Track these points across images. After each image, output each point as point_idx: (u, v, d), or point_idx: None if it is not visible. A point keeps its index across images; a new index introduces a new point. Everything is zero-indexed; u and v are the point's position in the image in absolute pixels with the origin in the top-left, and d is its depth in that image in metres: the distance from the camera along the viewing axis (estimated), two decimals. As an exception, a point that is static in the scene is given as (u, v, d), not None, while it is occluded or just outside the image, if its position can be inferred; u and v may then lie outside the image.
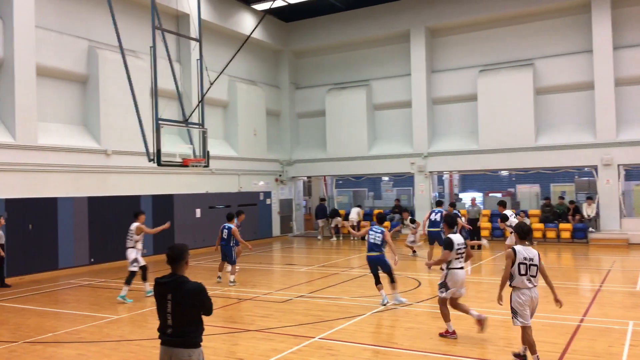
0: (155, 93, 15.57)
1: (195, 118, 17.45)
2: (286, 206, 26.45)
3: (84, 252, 16.79)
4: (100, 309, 11.16)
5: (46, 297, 12.75)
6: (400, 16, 23.82)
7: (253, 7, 23.80)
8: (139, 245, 12.19)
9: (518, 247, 6.89)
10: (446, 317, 8.35)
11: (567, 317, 9.39)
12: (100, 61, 17.47)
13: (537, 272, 6.84)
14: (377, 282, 10.72)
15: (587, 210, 20.55)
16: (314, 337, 8.48)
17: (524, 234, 6.94)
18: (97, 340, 8.73)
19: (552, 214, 21.32)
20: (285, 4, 23.17)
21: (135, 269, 11.92)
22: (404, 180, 26.90)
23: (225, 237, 13.65)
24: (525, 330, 6.84)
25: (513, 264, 6.80)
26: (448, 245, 8.14)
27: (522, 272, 6.78)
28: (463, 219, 17.88)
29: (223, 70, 16.41)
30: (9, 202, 14.89)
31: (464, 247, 8.30)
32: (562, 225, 20.74)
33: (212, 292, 11.39)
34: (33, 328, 9.61)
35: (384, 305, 10.46)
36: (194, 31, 18.74)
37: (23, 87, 15.34)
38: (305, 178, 27.73)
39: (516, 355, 7.24)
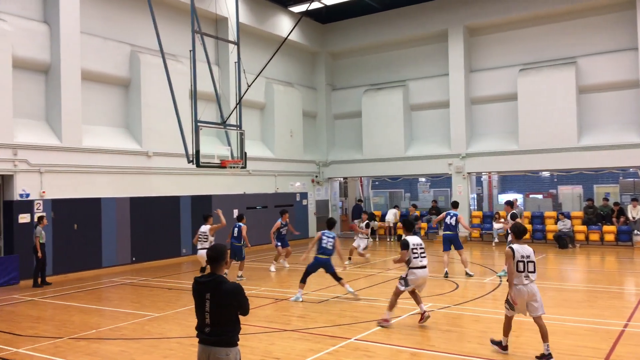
0: (194, 96, 15.85)
1: (233, 120, 17.68)
2: (322, 207, 26.52)
3: (125, 251, 17.24)
4: (141, 307, 11.44)
5: (90, 294, 13.15)
6: (438, 15, 23.59)
7: (290, 10, 23.96)
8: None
9: (515, 246, 7.29)
10: (392, 306, 9.19)
11: (611, 322, 9.13)
12: (142, 65, 17.91)
13: (534, 268, 7.23)
14: (303, 280, 11.69)
15: (632, 212, 19.89)
16: (350, 338, 8.49)
17: (520, 233, 7.45)
18: (138, 338, 8.96)
19: (596, 216, 20.73)
20: (322, 5, 23.25)
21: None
22: (441, 181, 26.61)
23: (236, 235, 14.49)
24: (509, 319, 7.42)
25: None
26: (404, 245, 8.97)
27: (520, 269, 7.17)
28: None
29: (260, 72, 16.58)
30: (55, 202, 15.42)
31: (421, 247, 9.11)
32: (605, 228, 20.14)
33: (249, 292, 11.53)
34: (77, 325, 9.93)
35: (295, 300, 11.45)
36: (232, 34, 19.00)
37: (69, 91, 15.86)
38: (342, 179, 27.74)
39: (539, 357, 7.25)
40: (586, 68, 21.00)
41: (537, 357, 7.27)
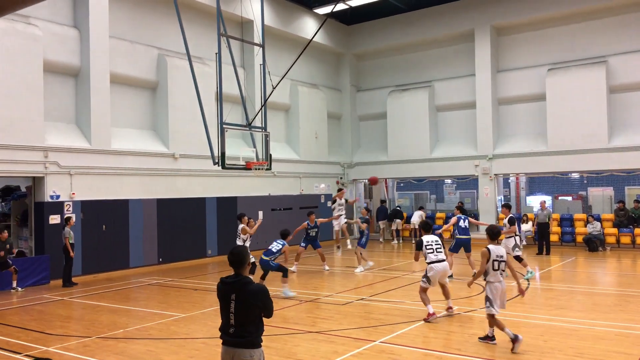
0: (220, 98, 15.97)
1: (258, 122, 17.77)
2: (347, 209, 26.39)
3: (153, 252, 17.47)
4: (168, 307, 11.57)
5: (118, 294, 13.36)
6: (464, 15, 23.36)
7: (315, 12, 24.00)
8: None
9: (491, 247, 8.06)
10: (426, 302, 9.65)
11: (643, 328, 8.89)
12: (169, 68, 18.15)
13: (505, 267, 8.08)
14: (263, 277, 12.45)
15: (666, 215, 19.37)
16: (375, 341, 8.44)
17: (494, 235, 8.24)
18: (165, 338, 9.06)
19: (627, 219, 20.24)
20: (346, 7, 23.23)
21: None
22: (468, 183, 26.32)
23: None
24: (494, 318, 7.97)
25: (488, 261, 7.97)
26: (418, 246, 9.82)
27: (496, 267, 7.98)
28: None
29: (285, 74, 16.61)
30: (84, 203, 15.72)
31: (437, 243, 9.76)
32: (637, 230, 19.66)
33: (274, 294, 11.56)
34: (106, 324, 10.09)
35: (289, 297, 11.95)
36: (257, 37, 19.11)
37: (98, 94, 16.16)
38: (366, 181, 27.64)
39: (483, 338, 8.21)
40: (617, 67, 20.54)
41: (480, 337, 8.21)
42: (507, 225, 14.15)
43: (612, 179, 23.39)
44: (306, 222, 16.19)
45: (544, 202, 19.96)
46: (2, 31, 14.11)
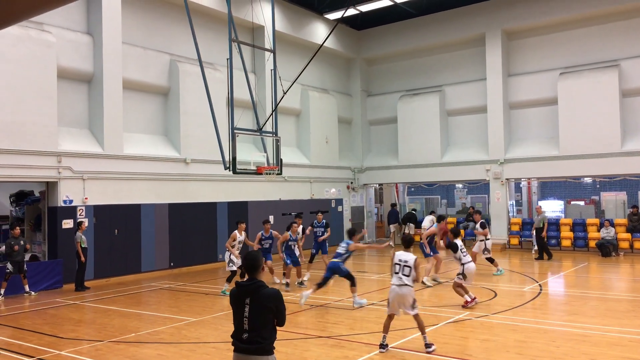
0: (231, 103, 16.08)
1: (269, 127, 17.85)
2: (358, 213, 26.45)
3: (164, 256, 17.56)
4: (179, 311, 11.62)
5: (130, 298, 13.44)
6: (475, 20, 23.30)
7: (325, 17, 24.08)
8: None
9: (398, 252, 8.43)
10: (464, 293, 10.98)
11: (657, 334, 8.79)
12: (180, 74, 18.28)
13: (410, 272, 8.19)
14: (321, 285, 12.04)
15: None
16: (385, 346, 8.41)
17: (407, 243, 8.62)
18: (176, 342, 9.10)
19: (641, 224, 20.03)
20: (357, 12, 23.28)
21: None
22: (479, 188, 26.19)
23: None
24: (389, 317, 8.32)
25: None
26: (454, 248, 11.12)
27: (396, 270, 8.26)
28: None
29: (296, 79, 16.68)
30: (97, 208, 15.85)
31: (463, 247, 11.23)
32: (652, 236, 19.44)
33: (285, 298, 11.58)
34: (117, 328, 10.16)
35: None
36: (268, 42, 19.22)
37: (111, 100, 16.32)
38: (377, 185, 27.63)
39: (381, 345, 8.18)
40: (630, 71, 20.37)
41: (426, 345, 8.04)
42: (479, 229, 15.61)
43: (625, 184, 23.17)
44: (260, 233, 14.61)
45: (540, 207, 19.97)
46: (16, 38, 14.31)
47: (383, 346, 8.10)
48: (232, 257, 13.29)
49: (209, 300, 12.93)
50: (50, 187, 15.32)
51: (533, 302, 11.66)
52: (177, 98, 18.28)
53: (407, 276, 8.17)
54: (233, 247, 13.42)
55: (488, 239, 15.46)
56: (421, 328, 8.17)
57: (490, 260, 15.40)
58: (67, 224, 15.18)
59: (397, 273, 8.23)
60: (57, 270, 14.82)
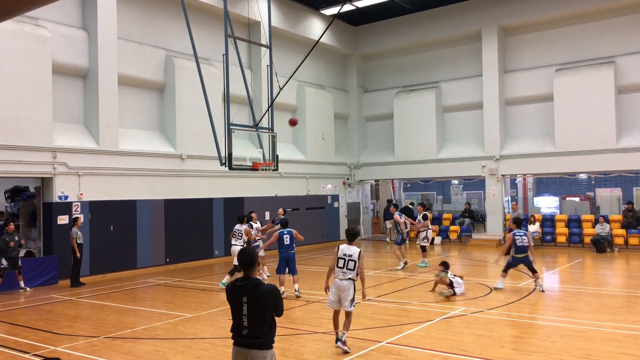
0: (227, 99, 16.05)
1: (265, 123, 17.83)
2: (354, 209, 26.47)
3: (160, 252, 17.53)
4: (175, 307, 11.61)
5: (125, 294, 13.42)
6: (471, 16, 23.30)
7: (322, 13, 24.02)
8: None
9: (342, 245, 8.30)
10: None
11: (651, 330, 8.85)
12: (176, 69, 18.22)
13: (354, 267, 8.11)
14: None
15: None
16: (381, 342, 8.44)
17: (351, 236, 8.40)
18: (172, 338, 9.10)
19: (635, 220, 20.13)
20: (353, 8, 23.24)
21: None
22: (475, 184, 26.24)
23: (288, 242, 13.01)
24: (334, 314, 8.34)
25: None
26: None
27: (340, 265, 8.18)
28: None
29: (292, 75, 16.67)
30: (92, 204, 15.81)
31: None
32: (646, 232, 19.54)
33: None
34: (113, 324, 10.15)
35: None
36: (264, 38, 19.19)
37: (106, 95, 16.25)
38: (373, 181, 27.64)
39: (336, 340, 8.08)
40: (625, 67, 20.42)
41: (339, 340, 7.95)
42: (421, 220, 16.60)
43: (620, 180, 23.25)
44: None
45: (515, 203, 20.12)
46: (11, 33, 14.22)
47: (338, 340, 8.03)
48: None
49: (205, 296, 12.93)
50: (45, 182, 15.26)
51: (528, 298, 11.71)
52: (173, 94, 18.22)
53: (352, 270, 8.04)
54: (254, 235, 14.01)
55: (429, 229, 16.75)
56: (347, 325, 8.12)
57: (423, 249, 16.57)
58: (63, 219, 15.14)
59: (341, 267, 8.11)
60: (53, 266, 14.78)
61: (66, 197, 15.30)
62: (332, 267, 8.29)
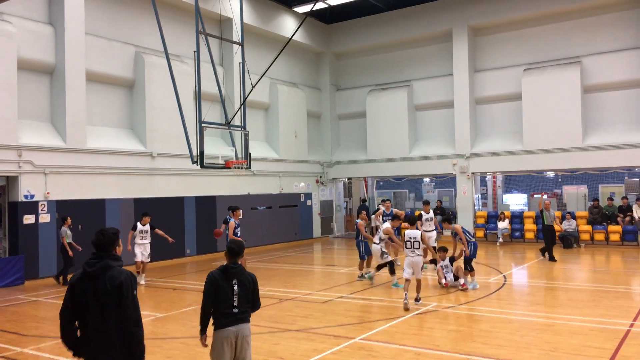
0: (198, 96, 15.88)
1: (237, 121, 17.70)
2: (327, 207, 26.52)
3: (130, 251, 17.21)
4: (146, 307, 11.44)
5: (95, 295, 13.15)
6: (442, 15, 23.55)
7: (294, 10, 23.98)
8: None
9: (407, 231, 10.44)
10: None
11: (616, 322, 9.09)
12: (146, 66, 17.95)
13: (419, 246, 10.46)
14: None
15: (638, 212, 19.76)
16: (354, 338, 8.48)
17: (411, 221, 10.80)
18: (143, 337, 8.95)
19: (601, 216, 20.64)
20: (326, 6, 23.26)
21: None
22: (446, 182, 26.58)
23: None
24: (406, 283, 10.54)
25: None
26: None
27: (408, 246, 10.43)
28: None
29: (265, 73, 16.58)
30: (60, 203, 15.47)
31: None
32: (611, 228, 20.02)
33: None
34: (83, 324, 9.93)
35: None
36: (236, 35, 19.04)
37: (73, 92, 15.91)
38: (346, 179, 27.73)
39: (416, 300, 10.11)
40: (591, 67, 20.92)
41: None
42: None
43: (586, 177, 23.84)
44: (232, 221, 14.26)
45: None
46: (-26, 27, 13.81)
47: (415, 300, 10.57)
48: (382, 248, 12.97)
49: (176, 295, 12.78)
50: (10, 181, 14.87)
51: (498, 293, 11.90)
52: (143, 91, 17.95)
53: (418, 249, 10.51)
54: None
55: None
56: (419, 289, 10.62)
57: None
58: (29, 219, 14.79)
59: (409, 248, 10.54)
60: (18, 267, 14.42)
61: (32, 197, 14.94)
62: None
